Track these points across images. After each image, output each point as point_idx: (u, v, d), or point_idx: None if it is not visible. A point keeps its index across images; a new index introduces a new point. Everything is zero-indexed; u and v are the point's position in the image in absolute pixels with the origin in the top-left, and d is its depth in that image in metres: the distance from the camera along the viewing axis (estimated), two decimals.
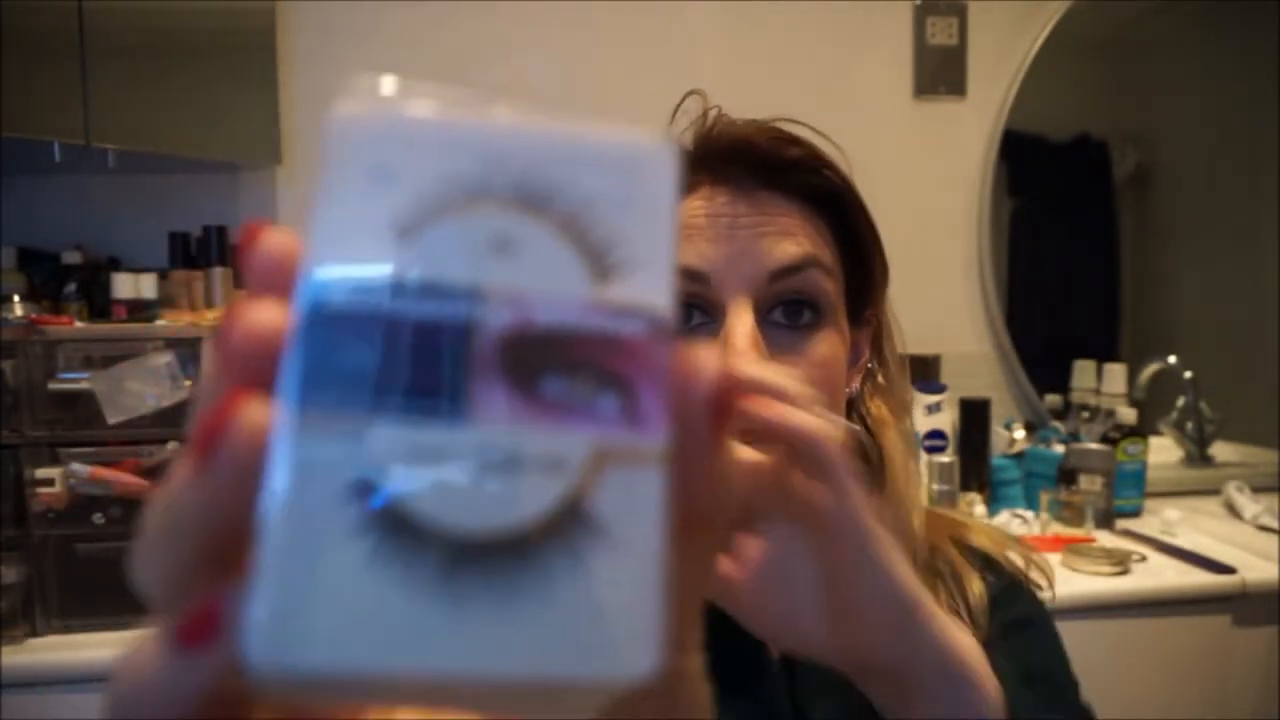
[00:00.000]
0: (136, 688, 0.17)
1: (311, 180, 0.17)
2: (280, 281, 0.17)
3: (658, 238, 0.18)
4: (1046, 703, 0.53)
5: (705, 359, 0.18)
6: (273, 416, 0.16)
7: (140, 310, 1.34)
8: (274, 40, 1.54)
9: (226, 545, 0.17)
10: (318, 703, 0.20)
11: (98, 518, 1.13)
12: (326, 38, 1.60)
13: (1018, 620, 0.57)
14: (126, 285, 1.35)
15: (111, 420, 1.13)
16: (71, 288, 1.44)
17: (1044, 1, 1.81)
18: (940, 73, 1.81)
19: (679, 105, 0.58)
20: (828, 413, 0.18)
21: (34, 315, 1.22)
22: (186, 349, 1.16)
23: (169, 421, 1.15)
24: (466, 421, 0.17)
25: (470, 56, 1.64)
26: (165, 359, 1.15)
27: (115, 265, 1.51)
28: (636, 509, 0.17)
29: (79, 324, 1.26)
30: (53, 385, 1.13)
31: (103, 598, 1.13)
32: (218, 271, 1.41)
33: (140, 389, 1.13)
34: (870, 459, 0.58)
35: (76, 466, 1.11)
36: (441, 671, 0.16)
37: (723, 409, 0.18)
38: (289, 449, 0.16)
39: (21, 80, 1.27)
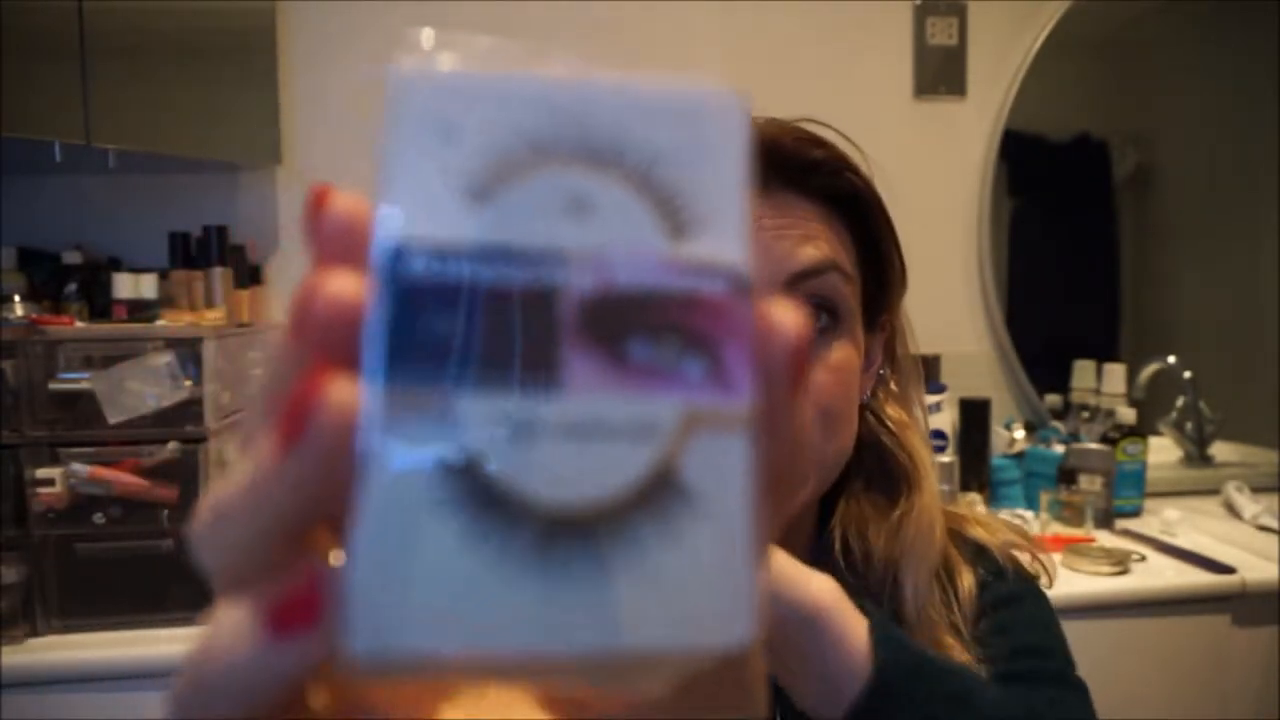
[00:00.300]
0: (222, 673, 0.17)
1: (375, 139, 0.17)
2: (354, 248, 0.17)
3: (730, 190, 0.18)
4: (1031, 676, 0.52)
5: (784, 316, 0.18)
6: (360, 394, 0.16)
7: (140, 310, 1.34)
8: (274, 40, 1.54)
9: (311, 525, 0.17)
10: (407, 684, 0.20)
11: (98, 518, 1.13)
12: (326, 38, 1.60)
13: (1003, 598, 0.56)
14: (127, 285, 1.36)
15: (112, 420, 1.13)
16: (72, 288, 1.45)
17: (1044, 1, 1.81)
18: (940, 73, 1.81)
19: None
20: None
21: (34, 315, 1.22)
22: (186, 349, 1.16)
23: (169, 421, 1.15)
24: (556, 390, 0.16)
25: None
26: (165, 359, 1.15)
27: (115, 265, 1.51)
28: (725, 475, 0.17)
29: (79, 324, 1.26)
30: (53, 385, 1.13)
31: (103, 598, 1.13)
32: (218, 271, 1.41)
33: (140, 389, 1.13)
34: (901, 463, 0.58)
35: (76, 466, 1.11)
36: (540, 648, 0.16)
37: (802, 367, 0.18)
38: (378, 427, 0.16)
39: (21, 80, 1.27)
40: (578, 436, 0.16)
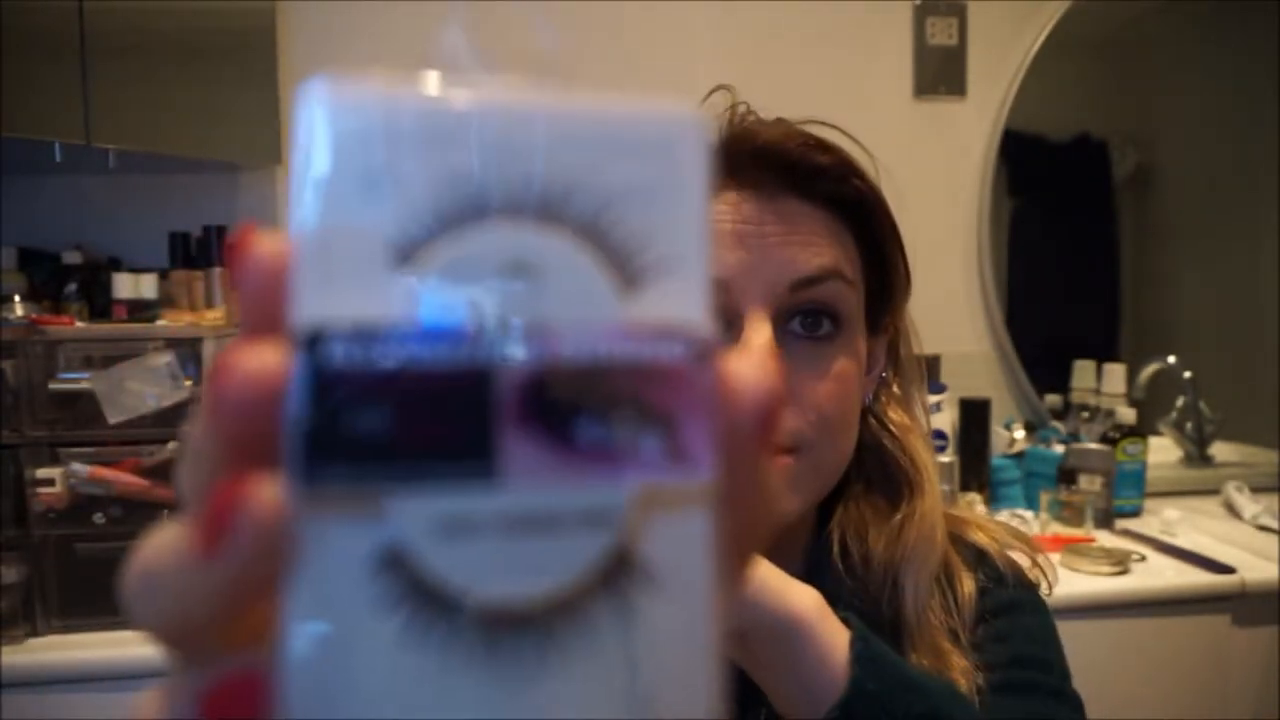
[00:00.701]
0: None
1: (289, 187, 0.15)
2: (277, 308, 0.15)
3: (690, 231, 0.16)
4: (1028, 688, 0.52)
5: (749, 378, 0.17)
6: (282, 498, 0.15)
7: (140, 310, 1.34)
8: (274, 40, 1.54)
9: (245, 612, 0.16)
10: None
11: (98, 518, 1.13)
12: (326, 38, 1.60)
13: (1003, 605, 0.56)
14: (126, 285, 1.36)
15: (112, 420, 1.13)
16: (72, 288, 1.45)
17: (1044, 1, 1.81)
18: (940, 73, 1.81)
19: (704, 100, 0.56)
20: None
21: (34, 315, 1.22)
22: (186, 349, 1.16)
23: (169, 421, 1.15)
24: (496, 483, 0.15)
25: (470, 58, 1.64)
26: (165, 359, 1.15)
27: (115, 265, 1.51)
28: (687, 553, 0.16)
29: (79, 324, 1.26)
30: (53, 385, 1.13)
31: (103, 598, 1.13)
32: (218, 271, 1.41)
33: (140, 389, 1.13)
34: (903, 466, 0.58)
35: (76, 466, 1.11)
36: None
37: (769, 429, 0.17)
38: (304, 528, 0.15)
39: (21, 80, 1.27)
40: (520, 530, 0.15)
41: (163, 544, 0.17)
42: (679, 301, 0.16)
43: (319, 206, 0.15)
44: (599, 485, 0.15)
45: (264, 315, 0.16)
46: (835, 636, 0.40)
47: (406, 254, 0.15)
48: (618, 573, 0.15)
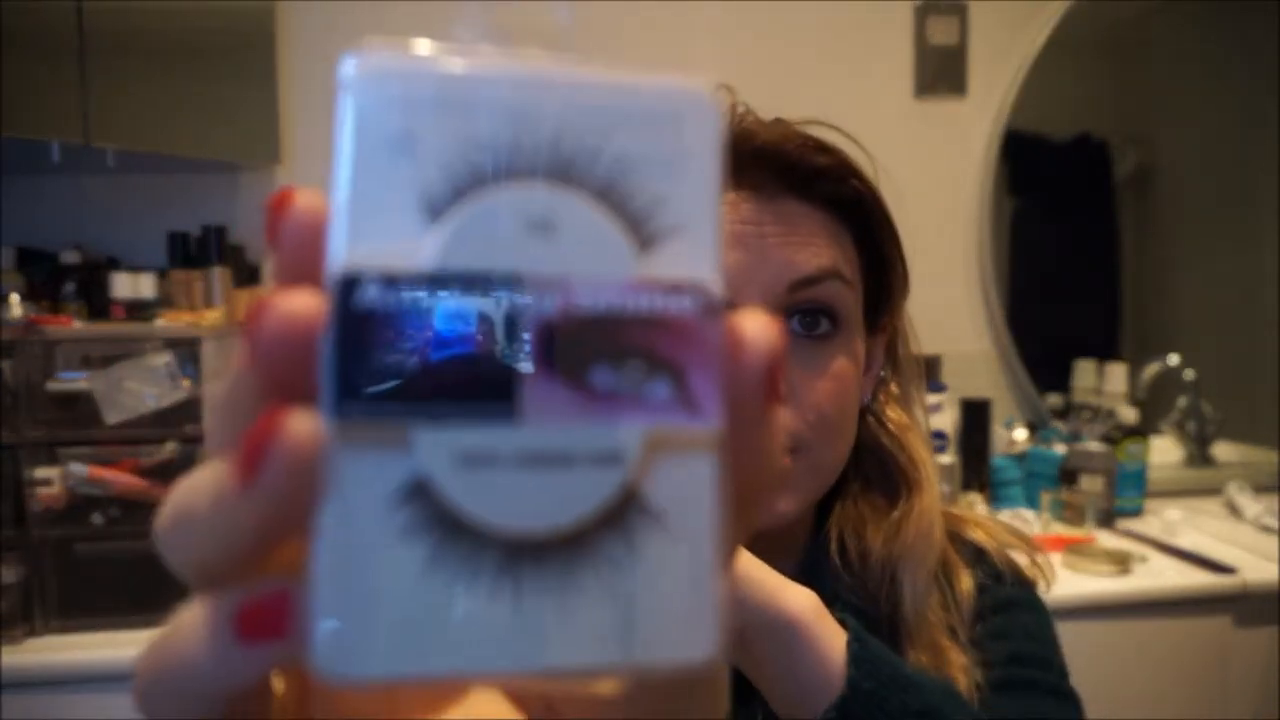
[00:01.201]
0: (185, 671, 0.17)
1: (329, 150, 0.16)
2: (312, 260, 0.16)
3: (702, 198, 0.17)
4: (1027, 686, 0.52)
5: (756, 333, 0.18)
6: (317, 429, 0.16)
7: (139, 310, 1.34)
8: (274, 40, 1.54)
9: (277, 543, 0.17)
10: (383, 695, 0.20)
11: (96, 518, 1.13)
12: (326, 38, 1.60)
13: (1001, 603, 0.56)
14: (125, 285, 1.35)
15: (110, 420, 1.13)
16: (70, 287, 1.44)
17: (1044, 1, 1.81)
18: (940, 73, 1.81)
19: None
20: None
21: (33, 315, 1.22)
22: (185, 349, 1.16)
23: (168, 421, 1.15)
24: (515, 420, 0.16)
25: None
26: (164, 359, 1.14)
27: (114, 265, 1.51)
28: (692, 495, 0.17)
29: (78, 324, 1.26)
30: (51, 385, 1.13)
31: (102, 598, 1.13)
32: (217, 271, 1.41)
33: (139, 389, 1.13)
34: (901, 465, 0.58)
35: (75, 466, 1.11)
36: (508, 669, 0.16)
37: (774, 384, 0.18)
38: (336, 459, 0.16)
39: (21, 80, 1.27)
40: (538, 466, 0.16)
41: (196, 483, 0.17)
42: (690, 261, 0.17)
43: (353, 166, 0.16)
44: (611, 427, 0.17)
45: (300, 266, 0.17)
46: (832, 637, 0.40)
47: (435, 211, 0.16)
48: (626, 511, 0.17)
